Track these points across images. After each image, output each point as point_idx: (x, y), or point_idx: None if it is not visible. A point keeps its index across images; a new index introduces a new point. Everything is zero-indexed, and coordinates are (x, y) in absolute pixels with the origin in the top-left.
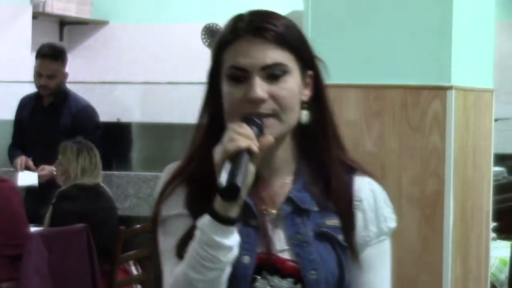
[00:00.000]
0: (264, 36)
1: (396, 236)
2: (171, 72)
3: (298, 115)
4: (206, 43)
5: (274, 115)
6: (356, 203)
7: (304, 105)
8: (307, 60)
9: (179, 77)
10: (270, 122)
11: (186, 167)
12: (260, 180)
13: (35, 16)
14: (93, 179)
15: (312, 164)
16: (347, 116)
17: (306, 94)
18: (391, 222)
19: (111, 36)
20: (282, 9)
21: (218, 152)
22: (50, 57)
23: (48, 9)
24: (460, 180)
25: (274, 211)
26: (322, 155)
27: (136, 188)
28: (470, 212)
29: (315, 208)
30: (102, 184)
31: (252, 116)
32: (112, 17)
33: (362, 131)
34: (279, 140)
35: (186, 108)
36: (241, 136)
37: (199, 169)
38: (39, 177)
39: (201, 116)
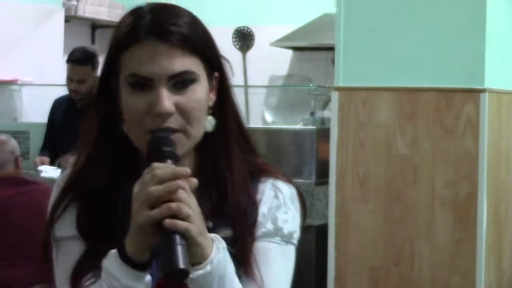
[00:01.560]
0: (170, 40)
1: (429, 238)
2: None
3: (204, 124)
4: (237, 46)
5: (182, 130)
6: (257, 207)
7: (209, 110)
8: (213, 62)
9: None
10: (177, 138)
11: (77, 180)
12: None
13: (67, 19)
14: None
15: (209, 175)
16: (380, 119)
17: (212, 98)
18: (293, 226)
19: None
20: (313, 12)
21: (145, 215)
22: (79, 62)
23: (80, 13)
24: (493, 183)
25: None
26: (221, 163)
27: None
28: (504, 215)
29: (209, 225)
30: None
31: (165, 144)
32: None
33: (395, 134)
34: (183, 156)
35: None
36: (183, 206)
37: (90, 185)
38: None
39: (91, 122)
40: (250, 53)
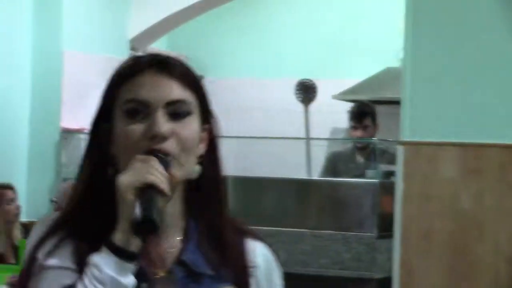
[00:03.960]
0: (170, 71)
1: None
2: (265, 126)
3: (192, 165)
4: (300, 99)
5: (175, 157)
6: (251, 269)
7: (197, 159)
8: (206, 110)
9: (273, 132)
10: (172, 164)
11: (67, 221)
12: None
13: None
14: None
15: (203, 225)
16: (444, 174)
17: (201, 148)
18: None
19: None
20: (376, 66)
21: (126, 180)
22: None
23: None
24: None
25: (163, 275)
26: (214, 217)
27: None
28: None
29: (209, 272)
30: None
31: (158, 152)
32: (208, 72)
33: (459, 189)
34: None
35: (278, 162)
36: (155, 171)
37: (85, 224)
38: None
39: (83, 165)
40: (312, 106)
